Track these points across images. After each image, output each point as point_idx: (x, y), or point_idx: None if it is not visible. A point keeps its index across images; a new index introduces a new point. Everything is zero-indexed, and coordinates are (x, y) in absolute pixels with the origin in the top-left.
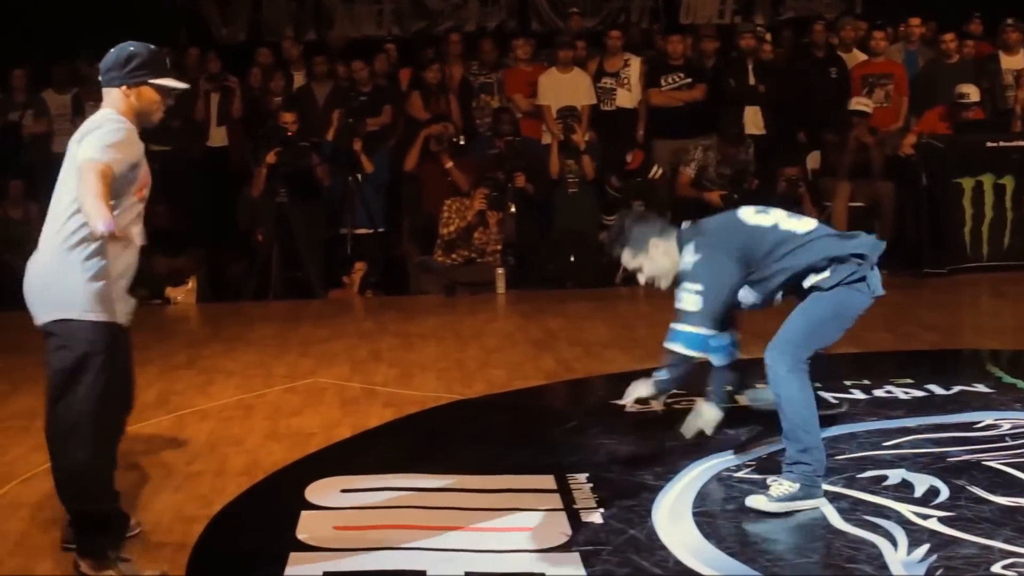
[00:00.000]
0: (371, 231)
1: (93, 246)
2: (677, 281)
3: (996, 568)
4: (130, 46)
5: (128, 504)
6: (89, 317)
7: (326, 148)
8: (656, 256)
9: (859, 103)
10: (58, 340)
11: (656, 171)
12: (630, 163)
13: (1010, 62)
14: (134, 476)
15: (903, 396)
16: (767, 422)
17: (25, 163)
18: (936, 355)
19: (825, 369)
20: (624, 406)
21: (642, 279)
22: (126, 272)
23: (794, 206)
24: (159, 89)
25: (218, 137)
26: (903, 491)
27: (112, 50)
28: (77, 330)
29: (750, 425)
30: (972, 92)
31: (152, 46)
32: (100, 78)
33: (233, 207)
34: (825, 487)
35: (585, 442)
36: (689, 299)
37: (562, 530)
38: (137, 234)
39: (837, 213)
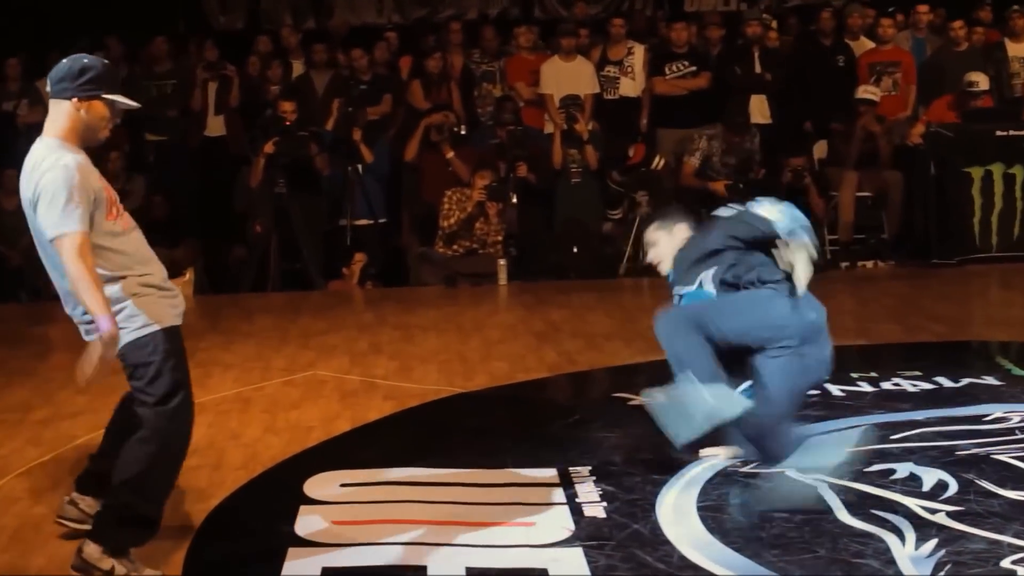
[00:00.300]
0: (371, 222)
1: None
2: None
3: (1005, 563)
4: (84, 58)
5: None
6: None
7: (325, 137)
8: (675, 237)
9: (867, 91)
10: None
11: (659, 161)
12: (632, 157)
13: (1017, 49)
14: None
15: (911, 389)
16: None
17: (19, 153)
18: (945, 347)
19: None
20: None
21: (650, 256)
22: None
23: (799, 196)
24: (110, 105)
25: (216, 126)
26: (911, 485)
27: (65, 60)
28: None
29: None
30: (981, 80)
31: (106, 61)
32: (49, 88)
33: (231, 198)
34: (832, 481)
35: (588, 435)
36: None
37: (565, 525)
38: (137, 239)
39: (844, 203)
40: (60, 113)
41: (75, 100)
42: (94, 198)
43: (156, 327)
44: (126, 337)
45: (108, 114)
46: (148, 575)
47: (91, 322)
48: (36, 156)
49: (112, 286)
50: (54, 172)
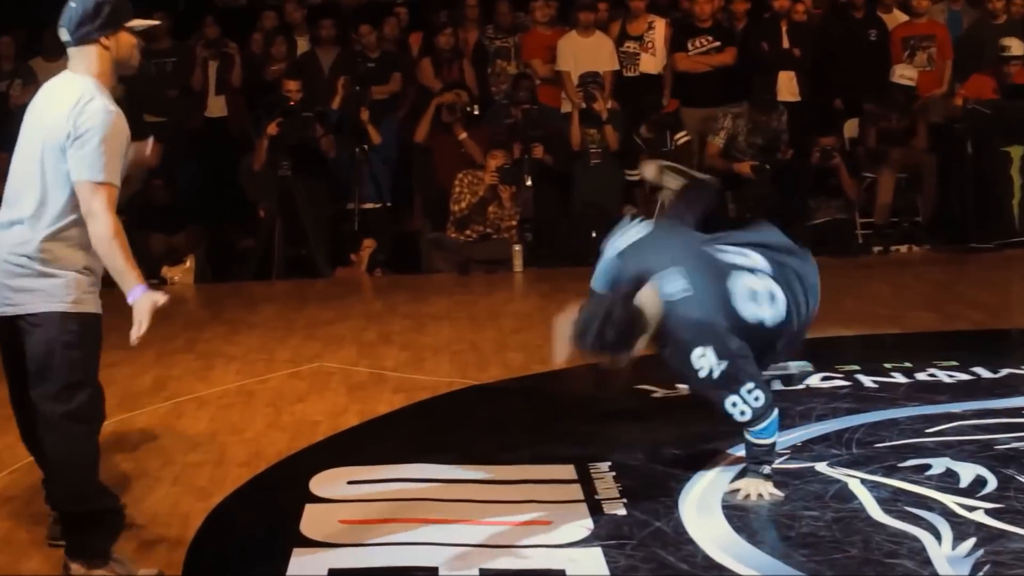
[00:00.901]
0: (379, 205)
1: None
2: None
3: None
4: None
5: (123, 496)
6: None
7: (331, 117)
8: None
9: (903, 76)
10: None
11: (682, 136)
12: (666, 107)
13: None
14: (128, 467)
15: (947, 380)
16: (801, 410)
17: (12, 136)
18: (983, 335)
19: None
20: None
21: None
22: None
23: (829, 177)
24: (134, 31)
25: (217, 107)
26: (948, 481)
27: (72, 3)
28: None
29: (782, 411)
30: (1015, 45)
31: None
32: (68, 38)
33: (233, 181)
34: (864, 476)
35: (608, 430)
36: None
37: (583, 523)
38: None
39: (883, 184)
40: (88, 57)
41: (102, 39)
42: (125, 152)
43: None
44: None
45: (135, 40)
46: (143, 574)
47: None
48: (74, 90)
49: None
50: (107, 116)
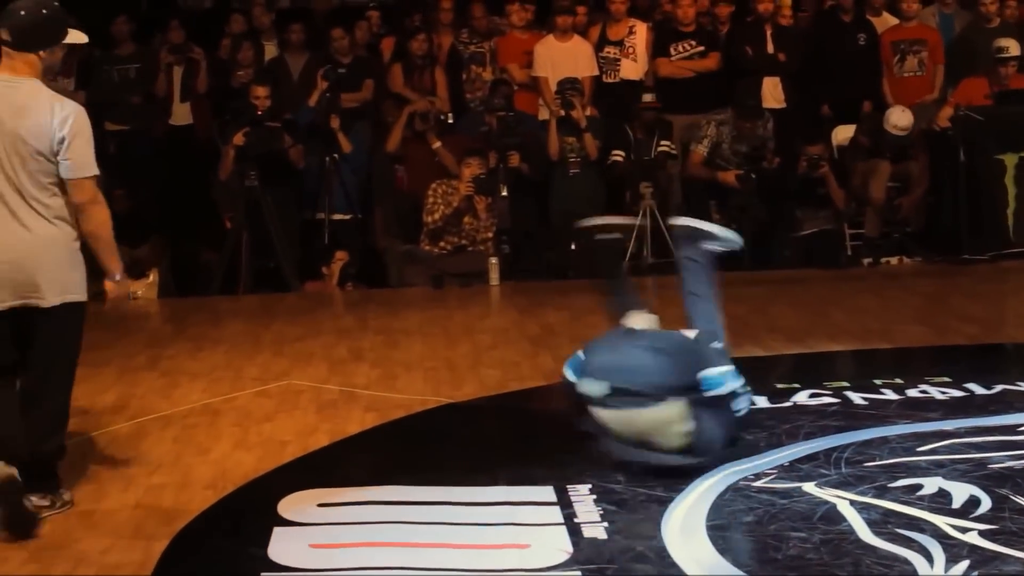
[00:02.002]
0: (350, 216)
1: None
2: None
3: None
4: (43, 9)
5: (81, 520)
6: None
7: (301, 120)
8: None
9: (896, 127)
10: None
11: (666, 146)
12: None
13: None
14: (88, 489)
15: (940, 396)
16: (788, 428)
17: None
18: (976, 350)
19: (852, 367)
20: None
21: None
22: None
23: (817, 187)
24: (66, 46)
25: (182, 114)
26: (940, 501)
27: (19, 10)
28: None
29: (769, 429)
30: (1012, 46)
31: (56, 3)
32: (9, 40)
33: (199, 191)
34: (853, 497)
35: (588, 450)
36: None
37: (562, 547)
38: None
39: (874, 195)
40: (28, 61)
41: (41, 53)
42: None
43: None
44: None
45: (61, 54)
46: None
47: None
48: (44, 96)
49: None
50: (83, 115)
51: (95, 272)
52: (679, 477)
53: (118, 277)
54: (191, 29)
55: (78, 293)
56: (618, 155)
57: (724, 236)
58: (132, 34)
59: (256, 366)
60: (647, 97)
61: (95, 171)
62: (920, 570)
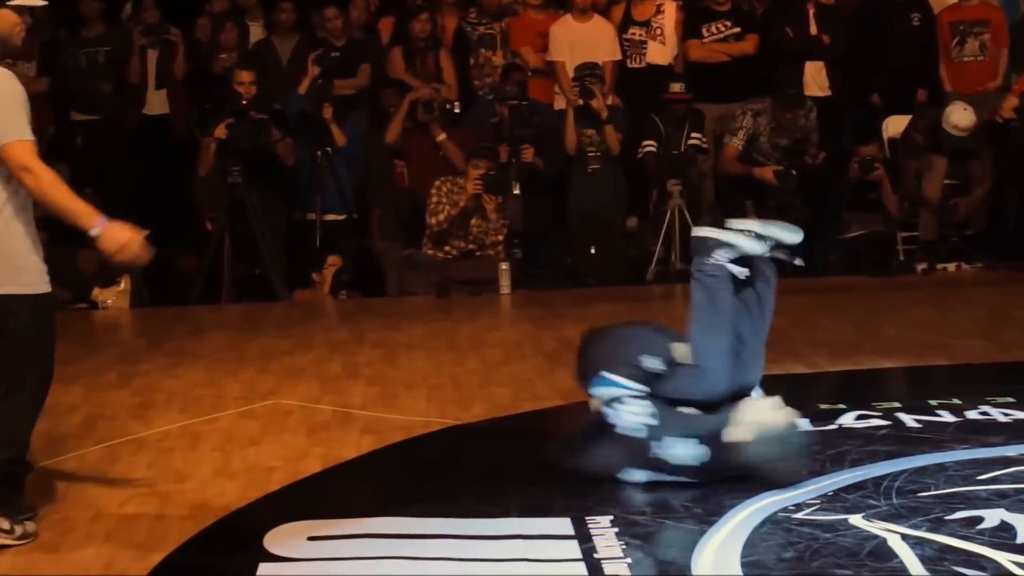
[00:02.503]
0: (344, 217)
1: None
2: None
3: None
4: None
5: (45, 554)
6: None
7: (290, 110)
8: None
9: (956, 127)
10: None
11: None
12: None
13: None
14: (53, 520)
15: (1002, 418)
16: (833, 453)
17: None
18: None
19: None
20: None
21: None
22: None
23: (868, 191)
24: (17, 9)
25: (157, 103)
26: (1002, 536)
27: None
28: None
29: (812, 455)
30: None
31: None
32: None
33: (176, 188)
34: (905, 531)
35: (609, 477)
36: None
37: None
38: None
39: (929, 194)
40: None
41: None
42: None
43: None
44: None
45: (18, 19)
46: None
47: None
48: None
49: None
50: (3, 80)
51: (62, 276)
52: (703, 502)
53: (96, 229)
54: (167, 8)
55: (9, 285)
56: (650, 146)
57: (740, 244)
58: (102, 14)
59: (240, 384)
60: (675, 87)
61: (22, 135)
62: None
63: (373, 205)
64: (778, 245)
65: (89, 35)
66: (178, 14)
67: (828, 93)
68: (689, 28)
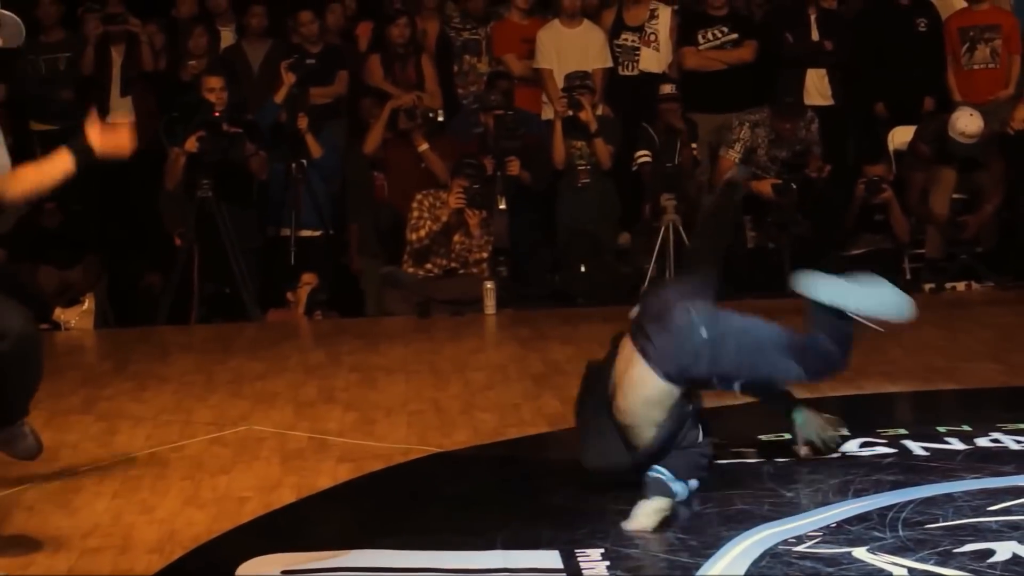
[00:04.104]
0: (319, 233)
1: None
2: None
3: None
4: None
5: None
6: None
7: (263, 121)
8: None
9: (963, 134)
10: None
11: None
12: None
13: None
14: (12, 554)
15: (1015, 446)
16: (837, 483)
17: None
18: None
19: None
20: None
21: None
22: None
23: (875, 212)
24: None
25: (122, 110)
26: (1014, 569)
27: None
28: None
29: (813, 485)
30: None
31: None
32: None
33: (141, 202)
34: (913, 564)
35: (600, 508)
36: None
37: None
38: None
39: (936, 210)
40: None
41: None
42: None
43: None
44: None
45: None
46: None
47: None
48: None
49: None
50: None
51: (21, 294)
52: (698, 534)
53: (70, 162)
54: (134, 12)
55: None
56: (645, 156)
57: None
58: (61, 18)
59: (210, 409)
60: (665, 88)
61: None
62: None
63: (351, 220)
64: None
65: (48, 41)
66: (145, 13)
67: (831, 102)
68: (684, 34)
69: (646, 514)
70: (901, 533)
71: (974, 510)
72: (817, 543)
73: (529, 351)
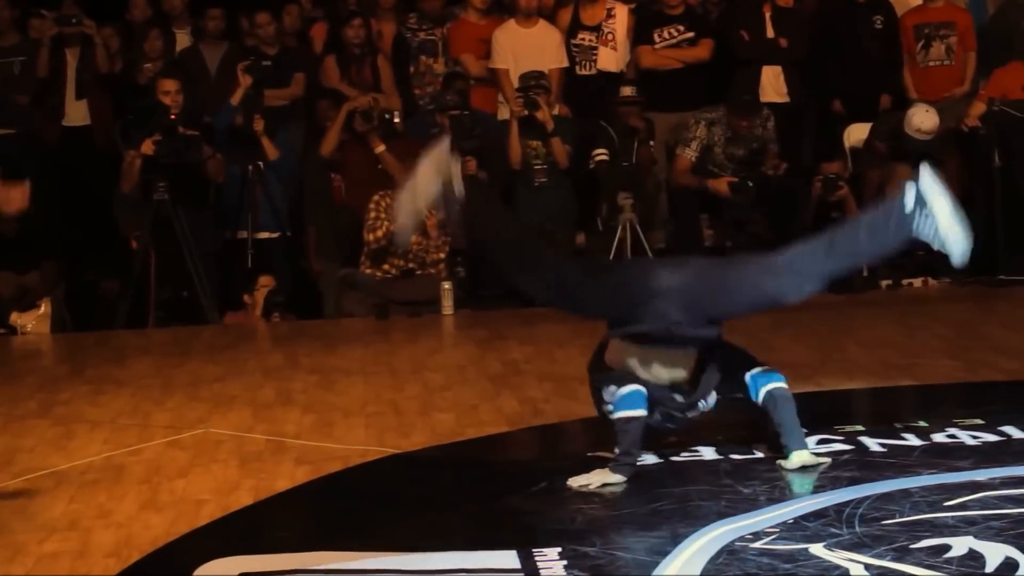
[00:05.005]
0: (277, 235)
1: None
2: None
3: None
4: None
5: None
6: None
7: (220, 123)
8: None
9: (919, 131)
10: None
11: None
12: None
13: None
14: None
15: (971, 442)
16: (792, 479)
17: None
18: (1014, 388)
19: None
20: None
21: None
22: None
23: (832, 211)
24: None
25: (78, 114)
26: (971, 565)
27: None
28: None
29: (770, 482)
30: None
31: None
32: None
33: (98, 206)
34: (869, 560)
35: (558, 508)
36: None
37: None
38: None
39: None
40: None
41: None
42: None
43: None
44: None
45: None
46: None
47: None
48: None
49: None
50: None
51: None
52: (656, 531)
53: None
54: (89, 14)
55: None
56: (602, 154)
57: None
58: (15, 22)
59: (167, 412)
60: (626, 91)
61: None
62: None
63: (308, 222)
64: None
65: (2, 44)
66: (99, 16)
67: (787, 100)
68: (640, 33)
69: (594, 476)
70: (858, 529)
71: (930, 505)
72: (774, 539)
73: (487, 351)
